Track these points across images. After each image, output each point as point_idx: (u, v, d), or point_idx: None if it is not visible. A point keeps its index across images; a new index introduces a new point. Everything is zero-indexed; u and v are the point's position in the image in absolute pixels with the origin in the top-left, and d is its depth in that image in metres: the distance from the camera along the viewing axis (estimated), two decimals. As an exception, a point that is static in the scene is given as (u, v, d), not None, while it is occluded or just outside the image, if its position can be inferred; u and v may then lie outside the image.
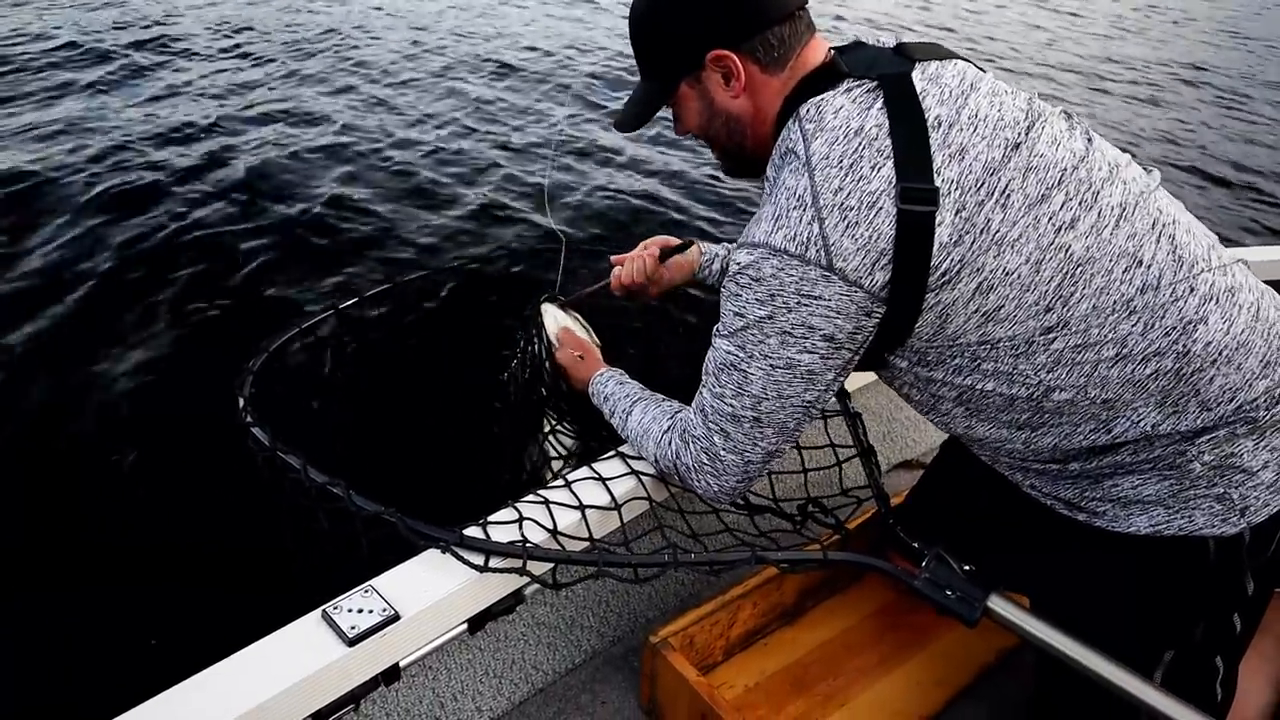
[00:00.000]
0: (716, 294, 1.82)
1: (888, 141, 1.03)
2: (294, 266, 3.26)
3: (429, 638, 1.19)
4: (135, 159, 4.17)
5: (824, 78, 1.13)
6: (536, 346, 1.71)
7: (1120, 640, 1.10)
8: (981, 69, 1.18)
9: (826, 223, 1.03)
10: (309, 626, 1.12)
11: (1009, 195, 1.03)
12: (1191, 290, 1.04)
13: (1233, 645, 1.16)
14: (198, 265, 3.22)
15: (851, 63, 1.13)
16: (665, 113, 1.33)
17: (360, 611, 1.13)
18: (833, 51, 1.18)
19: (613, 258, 1.78)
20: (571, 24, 8.41)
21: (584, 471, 1.40)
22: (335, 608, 1.13)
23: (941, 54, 1.16)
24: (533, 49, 7.33)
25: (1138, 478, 1.11)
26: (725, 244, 1.80)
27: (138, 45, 6.02)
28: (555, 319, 1.71)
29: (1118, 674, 1.08)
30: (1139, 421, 1.07)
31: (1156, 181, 1.14)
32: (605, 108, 5.90)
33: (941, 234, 1.02)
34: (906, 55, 1.14)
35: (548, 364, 1.66)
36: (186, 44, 6.24)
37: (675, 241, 1.76)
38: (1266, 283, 1.16)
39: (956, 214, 1.02)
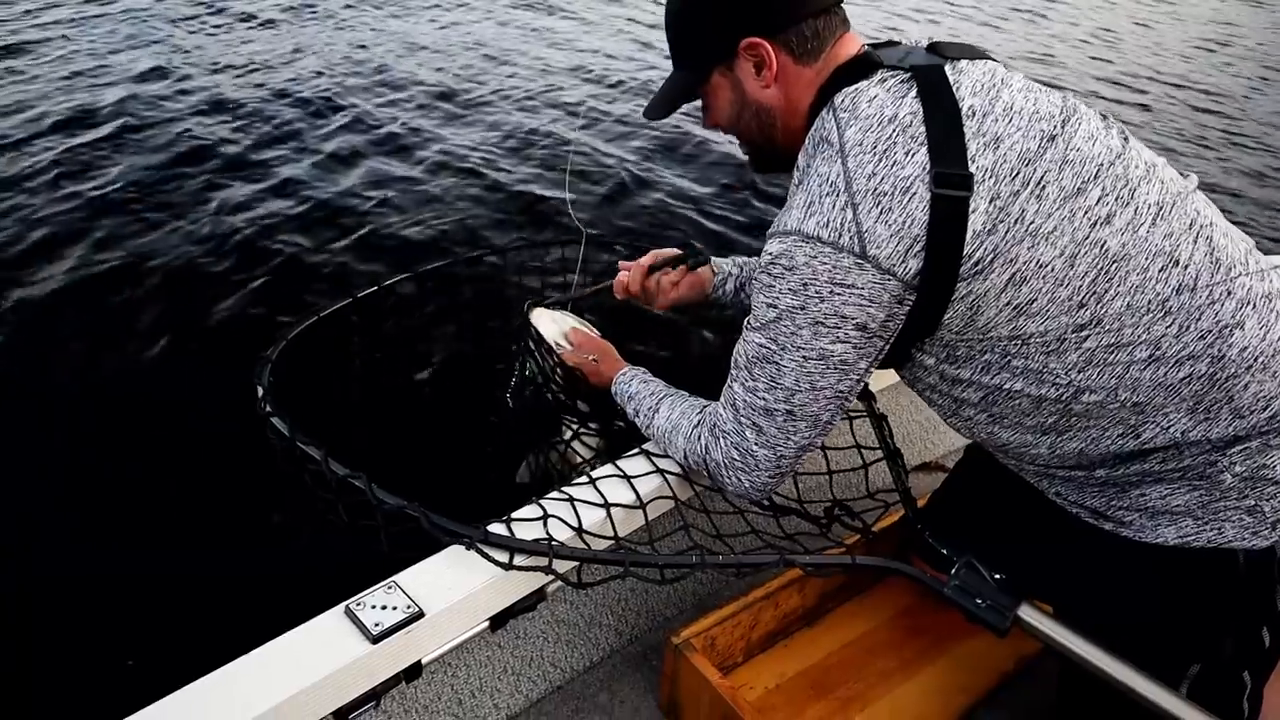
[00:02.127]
0: (724, 311, 1.79)
1: (922, 129, 1.02)
2: (312, 256, 3.27)
3: (452, 635, 1.18)
4: (157, 151, 4.18)
5: (858, 69, 1.12)
6: (540, 356, 1.65)
7: (1146, 652, 1.08)
8: (1010, 68, 1.16)
9: (860, 208, 1.02)
10: (332, 622, 1.11)
11: (1044, 187, 1.01)
12: (1229, 294, 1.02)
13: (1261, 660, 1.14)
14: (217, 256, 3.23)
15: (885, 56, 1.12)
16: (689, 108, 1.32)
17: (384, 608, 1.12)
18: (866, 47, 1.17)
19: (621, 264, 1.74)
20: (595, 25, 8.39)
21: (609, 469, 1.38)
22: (359, 604, 1.12)
23: (974, 54, 1.15)
24: (556, 45, 7.32)
25: (1166, 487, 1.09)
26: (738, 259, 1.75)
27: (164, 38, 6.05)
28: (554, 322, 1.67)
29: (1148, 687, 1.06)
30: (1169, 428, 1.05)
31: (1194, 184, 1.12)
32: (626, 102, 5.88)
33: (975, 222, 1.00)
34: (939, 53, 1.13)
35: (557, 371, 1.61)
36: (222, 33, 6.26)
37: (673, 253, 1.71)
38: None
39: (991, 202, 1.00)
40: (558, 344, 1.63)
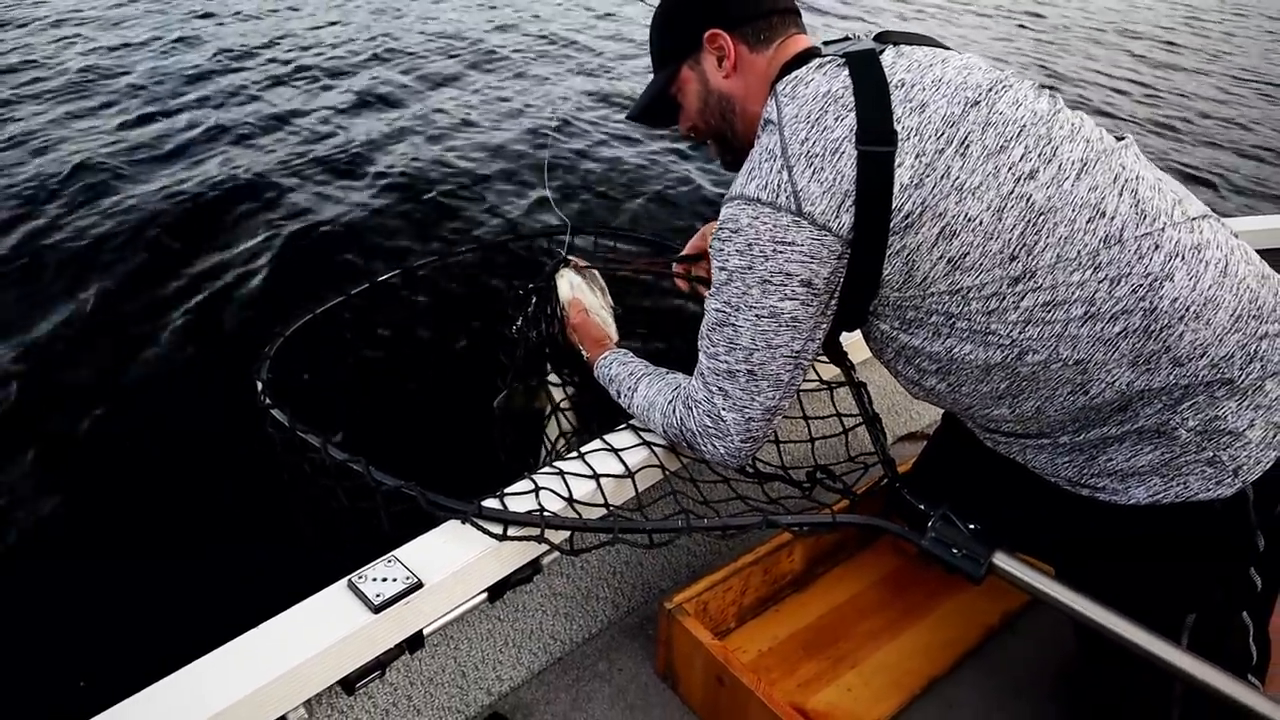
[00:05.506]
0: None
1: (852, 99, 1.11)
2: (307, 256, 3.32)
3: (451, 605, 1.23)
4: (153, 150, 4.22)
5: (801, 61, 1.21)
6: (550, 311, 1.74)
7: (1140, 608, 1.11)
8: (960, 53, 1.22)
9: (794, 170, 1.10)
10: (335, 595, 1.16)
11: (968, 145, 1.07)
12: (1156, 247, 1.06)
13: (1257, 601, 1.16)
14: (215, 258, 3.28)
15: (828, 49, 1.22)
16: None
17: (384, 580, 1.17)
18: (816, 45, 1.27)
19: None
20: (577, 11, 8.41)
21: (596, 443, 1.43)
22: (360, 577, 1.17)
23: (921, 41, 1.23)
24: (540, 37, 7.35)
25: (1129, 449, 1.14)
26: None
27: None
28: (571, 288, 1.74)
29: (1110, 619, 1.11)
30: (1114, 382, 1.09)
31: (1125, 144, 1.17)
32: (604, 94, 5.92)
33: (901, 175, 1.07)
34: (883, 40, 1.21)
35: (559, 336, 1.69)
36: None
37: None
38: (1262, 252, 1.18)
39: (916, 158, 1.07)
40: (565, 310, 1.71)
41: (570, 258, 1.80)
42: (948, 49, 1.22)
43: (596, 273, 1.80)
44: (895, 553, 1.80)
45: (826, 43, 1.26)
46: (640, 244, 2.31)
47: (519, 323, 1.81)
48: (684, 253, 1.75)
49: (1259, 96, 9.52)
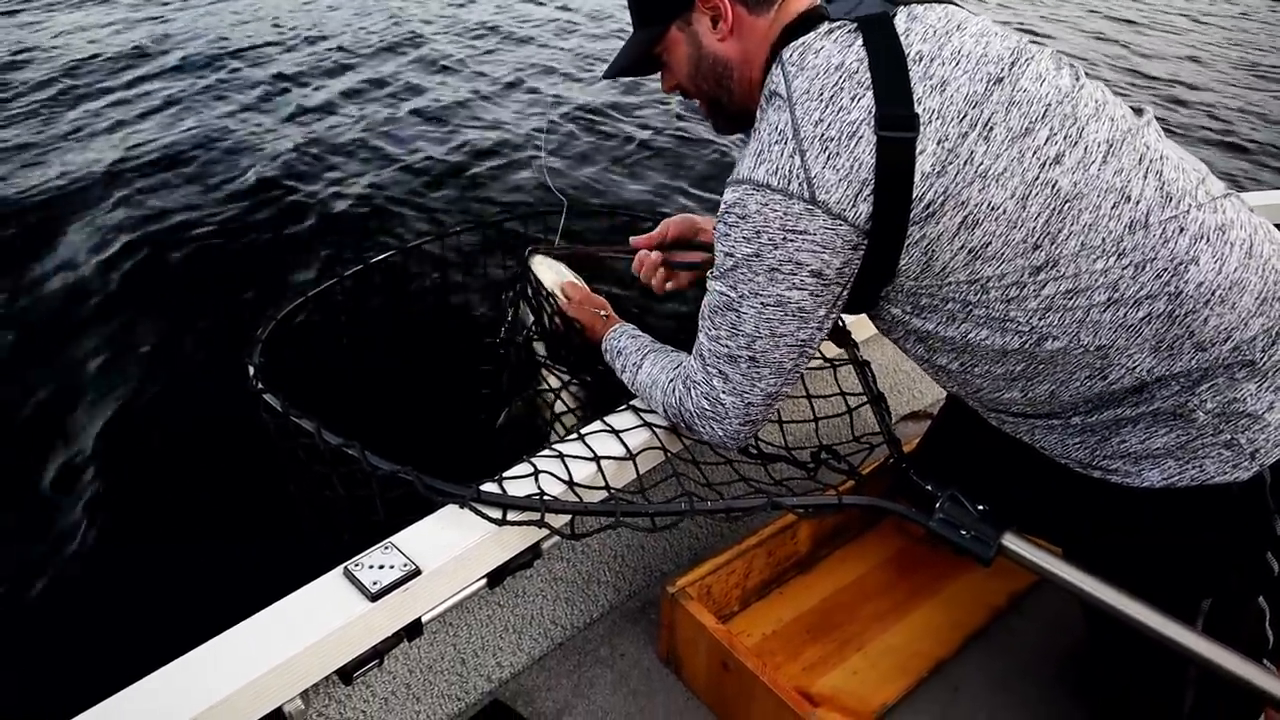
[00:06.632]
0: None
1: (868, 75, 1.03)
2: (299, 238, 3.30)
3: (450, 592, 1.21)
4: (147, 140, 4.18)
5: (807, 23, 1.12)
6: (538, 304, 1.68)
7: (1155, 593, 1.09)
8: (974, 13, 1.15)
9: (808, 155, 1.03)
10: (331, 583, 1.13)
11: (992, 128, 1.01)
12: (1181, 230, 1.02)
13: (1274, 586, 1.14)
14: (207, 242, 3.26)
15: (835, 9, 1.12)
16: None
17: (381, 568, 1.14)
18: (819, 2, 1.17)
19: (635, 239, 1.66)
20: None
21: (597, 425, 1.40)
22: (357, 564, 1.15)
23: None
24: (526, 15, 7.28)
25: (1144, 431, 1.10)
26: None
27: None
28: (553, 272, 1.70)
29: (1125, 602, 1.09)
30: (1134, 368, 1.06)
31: (1146, 119, 1.12)
32: (599, 69, 5.86)
33: (923, 163, 1.01)
34: (893, 0, 1.13)
35: (556, 319, 1.64)
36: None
37: (696, 258, 1.62)
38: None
39: (938, 144, 1.01)
40: (553, 292, 1.66)
41: (540, 247, 1.76)
42: (960, 7, 1.15)
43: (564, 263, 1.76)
44: (900, 533, 1.78)
45: (829, 0, 1.17)
46: (638, 220, 2.27)
47: (504, 328, 1.77)
48: (642, 238, 1.64)
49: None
